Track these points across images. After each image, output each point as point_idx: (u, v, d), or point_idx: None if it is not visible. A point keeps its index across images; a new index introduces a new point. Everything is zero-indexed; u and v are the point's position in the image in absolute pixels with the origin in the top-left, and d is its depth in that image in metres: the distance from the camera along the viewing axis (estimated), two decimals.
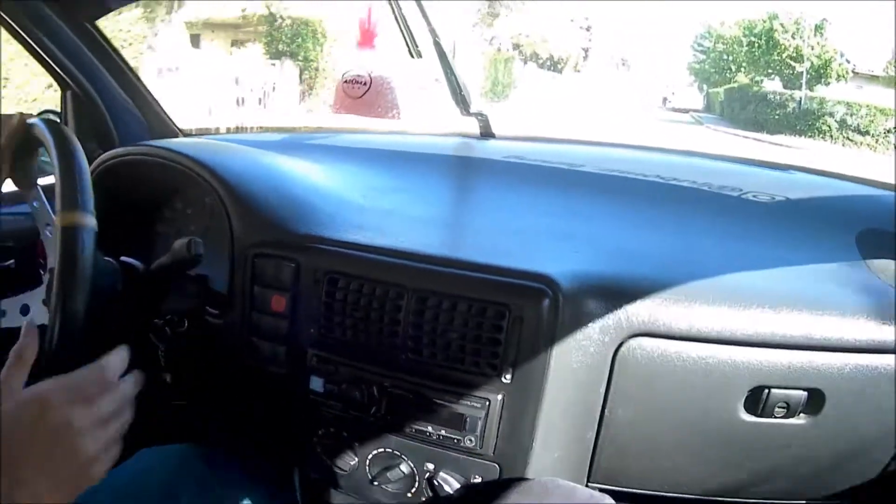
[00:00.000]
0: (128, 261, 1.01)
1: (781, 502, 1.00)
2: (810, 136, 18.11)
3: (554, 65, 21.79)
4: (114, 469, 0.89)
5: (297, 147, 1.32)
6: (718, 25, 23.64)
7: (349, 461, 0.99)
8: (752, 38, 21.82)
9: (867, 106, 18.28)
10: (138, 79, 1.41)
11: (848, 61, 20.68)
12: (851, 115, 18.16)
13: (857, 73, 20.93)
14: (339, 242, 0.96)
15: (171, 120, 1.46)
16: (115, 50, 1.35)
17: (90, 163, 0.94)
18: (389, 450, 0.96)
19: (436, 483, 0.94)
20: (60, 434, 0.61)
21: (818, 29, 21.66)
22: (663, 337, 0.87)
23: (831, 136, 18.36)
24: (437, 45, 1.18)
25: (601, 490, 0.92)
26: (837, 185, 1.25)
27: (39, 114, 1.38)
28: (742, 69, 22.17)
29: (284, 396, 1.01)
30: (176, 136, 1.46)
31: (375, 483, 0.98)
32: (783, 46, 21.19)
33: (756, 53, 21.96)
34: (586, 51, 22.12)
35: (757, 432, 0.89)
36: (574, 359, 0.87)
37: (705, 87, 23.48)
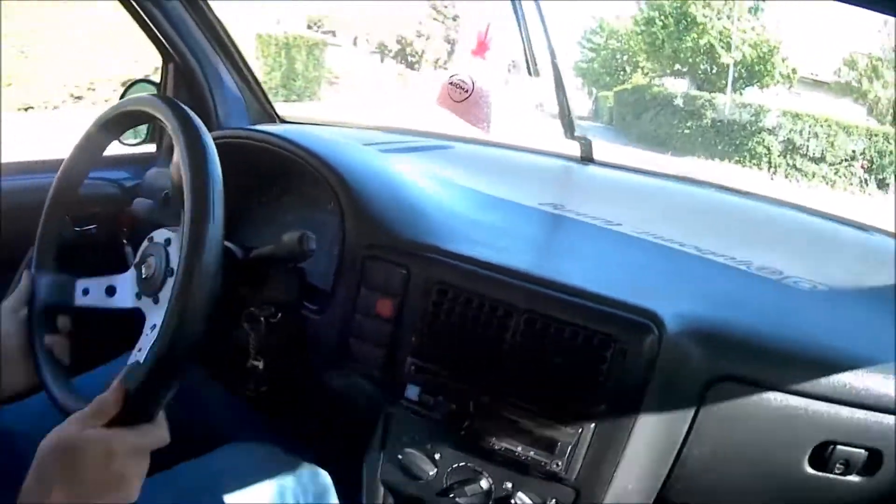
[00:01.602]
0: (225, 244, 1.04)
1: None
2: (738, 161, 14.34)
3: (406, 57, 17.72)
4: (195, 463, 0.95)
5: (403, 148, 1.35)
6: (613, 19, 19.38)
7: (429, 471, 1.01)
8: (656, 19, 17.13)
9: (825, 121, 14.34)
10: (243, 59, 1.43)
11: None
12: (801, 133, 14.26)
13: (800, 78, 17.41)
14: (453, 254, 0.98)
15: (270, 104, 1.49)
16: (222, 26, 1.38)
17: None
18: (471, 465, 0.99)
19: (512, 502, 0.97)
20: (117, 481, 0.71)
21: (754, 11, 16.78)
22: (750, 384, 0.90)
23: (770, 163, 14.48)
24: (555, 66, 1.21)
25: None
26: None
27: (135, 82, 1.42)
28: (640, 66, 17.70)
29: (373, 400, 1.05)
30: (274, 121, 1.49)
31: (451, 495, 1.00)
32: (701, 28, 16.25)
33: (660, 39, 17.04)
34: (452, 44, 18.00)
35: (817, 486, 0.92)
36: (665, 394, 0.90)
37: (594, 90, 19.59)
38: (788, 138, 14.56)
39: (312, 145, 1.11)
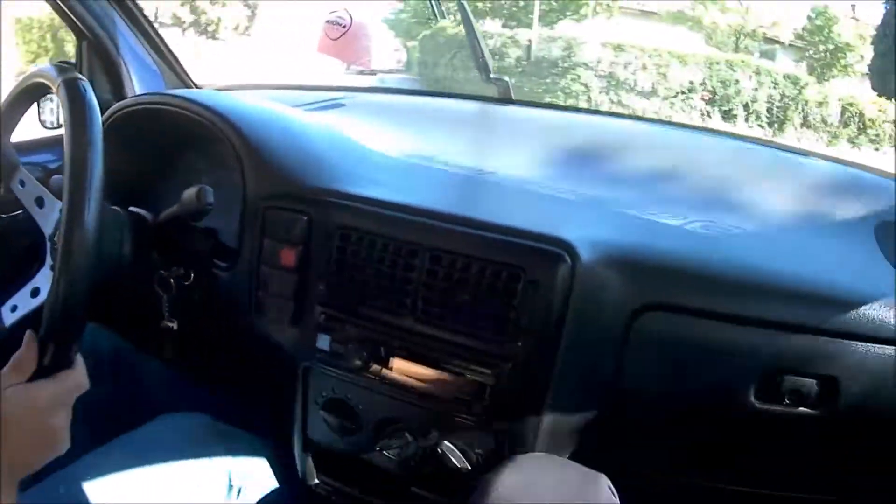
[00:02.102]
0: (136, 211, 1.03)
1: (787, 495, 1.01)
2: (552, 101, 11.82)
3: (204, 28, 15.47)
4: (131, 434, 0.96)
5: (315, 104, 1.33)
6: None
7: (352, 425, 1.00)
8: None
9: (654, 51, 13.04)
10: (155, 31, 1.43)
11: None
12: (626, 67, 12.98)
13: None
14: (354, 197, 0.97)
15: (186, 73, 1.48)
16: (134, 2, 1.37)
17: (103, 113, 0.95)
18: (394, 415, 0.97)
19: (440, 452, 0.95)
20: (45, 433, 0.72)
21: None
22: (679, 311, 0.88)
23: (589, 100, 12.88)
24: (463, 8, 1.20)
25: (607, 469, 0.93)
26: (853, 173, 1.25)
27: (55, 64, 1.41)
28: (445, 9, 16.50)
29: (289, 356, 1.03)
30: (190, 88, 1.49)
31: (378, 448, 0.99)
32: None
33: None
34: (252, 8, 16.16)
35: (767, 420, 0.90)
36: (587, 328, 0.88)
37: (407, 43, 18.20)
38: (611, 73, 13.36)
39: (213, 103, 1.10)
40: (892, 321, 0.87)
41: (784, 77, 13.93)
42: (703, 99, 13.63)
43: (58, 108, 1.36)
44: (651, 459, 1.01)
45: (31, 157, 1.37)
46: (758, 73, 13.76)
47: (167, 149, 1.20)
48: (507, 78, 1.29)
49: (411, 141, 1.23)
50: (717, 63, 13.67)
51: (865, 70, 16.28)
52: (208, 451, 0.96)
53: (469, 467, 0.94)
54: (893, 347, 0.87)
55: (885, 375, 0.88)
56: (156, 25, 1.41)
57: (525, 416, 0.90)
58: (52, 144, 1.39)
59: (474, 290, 0.88)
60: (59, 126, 1.40)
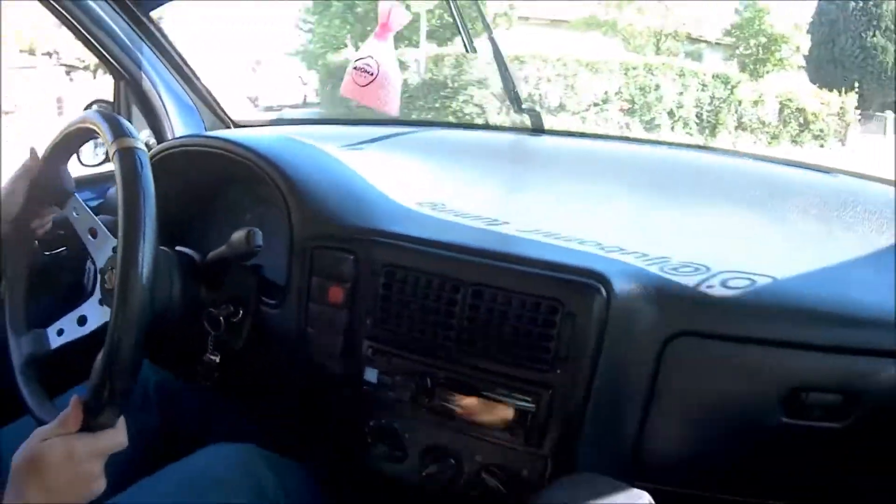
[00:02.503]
0: (183, 251, 1.08)
1: None
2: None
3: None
4: (174, 466, 0.99)
5: (353, 139, 1.38)
6: None
7: (398, 452, 1.05)
8: None
9: (558, 61, 11.78)
10: (191, 69, 1.47)
11: None
12: (526, 80, 11.31)
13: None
14: (397, 236, 1.01)
15: (223, 111, 1.53)
16: (168, 41, 1.42)
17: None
18: (439, 442, 1.02)
19: (484, 477, 0.99)
20: (81, 480, 0.79)
21: None
22: (708, 337, 0.91)
23: (486, 121, 10.93)
24: (493, 41, 1.24)
25: (643, 488, 0.96)
26: (875, 188, 1.28)
27: (92, 103, 1.46)
28: (343, 38, 14.94)
29: (338, 388, 1.08)
30: (229, 127, 1.53)
31: (424, 474, 1.02)
32: None
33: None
34: None
35: (797, 435, 0.93)
36: (622, 355, 0.92)
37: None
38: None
39: (256, 145, 1.15)
40: None
41: (713, 77, 13.01)
42: (620, 110, 12.55)
43: (97, 146, 1.40)
44: (685, 477, 1.05)
45: None
46: (682, 75, 12.79)
47: (210, 188, 1.25)
48: (538, 109, 1.33)
49: (449, 175, 1.28)
50: (634, 68, 12.59)
51: (802, 62, 15.53)
52: (257, 480, 0.98)
53: (509, 491, 0.98)
54: None
55: None
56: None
57: (564, 441, 0.94)
58: (90, 182, 1.44)
59: (515, 322, 0.92)
60: (100, 164, 1.45)
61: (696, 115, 12.83)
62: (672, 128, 12.50)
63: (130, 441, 1.09)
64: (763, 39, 15.55)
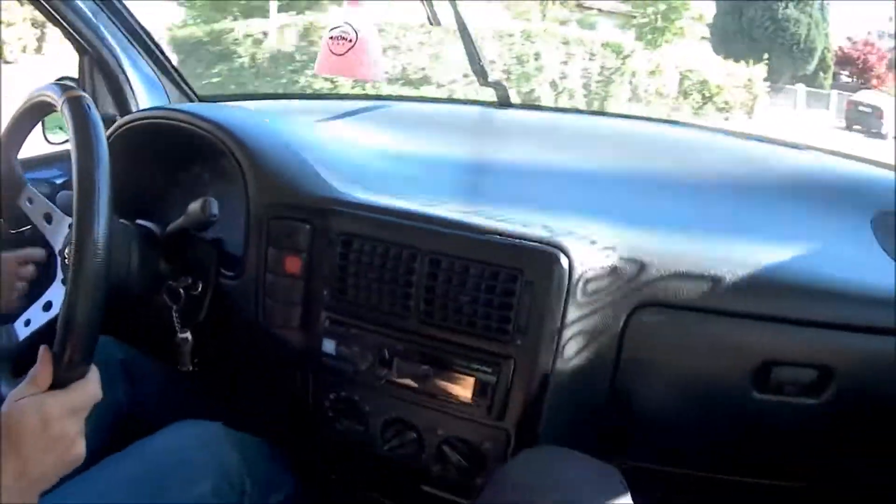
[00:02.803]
0: (144, 224, 1.07)
1: (787, 484, 1.04)
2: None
3: None
4: (137, 445, 0.98)
5: (316, 113, 1.37)
6: None
7: (360, 426, 1.04)
8: None
9: (420, 28, 9.93)
10: (156, 44, 1.46)
11: None
12: (385, 51, 6.04)
13: None
14: (353, 204, 1.00)
15: (188, 86, 1.51)
16: (133, 17, 1.41)
17: (107, 128, 0.98)
18: (400, 415, 1.01)
19: (445, 450, 0.99)
20: (61, 443, 0.75)
21: None
22: (673, 307, 0.91)
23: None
24: (458, 14, 1.23)
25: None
26: (849, 165, 1.27)
27: (57, 80, 1.45)
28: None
29: (297, 361, 1.07)
30: (192, 101, 1.52)
31: (386, 448, 1.02)
32: None
33: None
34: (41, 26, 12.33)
35: (769, 411, 0.93)
36: (585, 326, 0.91)
37: None
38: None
39: (215, 117, 1.13)
40: (891, 312, 0.89)
41: (603, 46, 11.96)
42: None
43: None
44: (651, 452, 1.04)
45: (38, 173, 1.41)
46: (566, 43, 11.72)
47: (172, 162, 1.24)
48: (504, 82, 1.32)
49: (411, 146, 1.27)
50: (511, 35, 11.38)
51: (706, 32, 14.91)
52: (221, 459, 0.98)
53: (471, 465, 0.98)
54: (890, 337, 0.90)
55: (881, 365, 0.91)
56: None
57: (527, 413, 0.93)
58: (58, 160, 1.43)
59: (473, 291, 0.91)
60: (65, 142, 1.44)
61: (584, 86, 11.86)
62: (556, 99, 11.51)
63: (95, 420, 1.08)
64: (662, 7, 14.65)
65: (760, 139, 1.34)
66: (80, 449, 0.77)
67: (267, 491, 1.02)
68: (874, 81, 20.47)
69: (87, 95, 0.85)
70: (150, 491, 0.92)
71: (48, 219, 0.98)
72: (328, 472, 1.17)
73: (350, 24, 1.20)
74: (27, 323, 0.95)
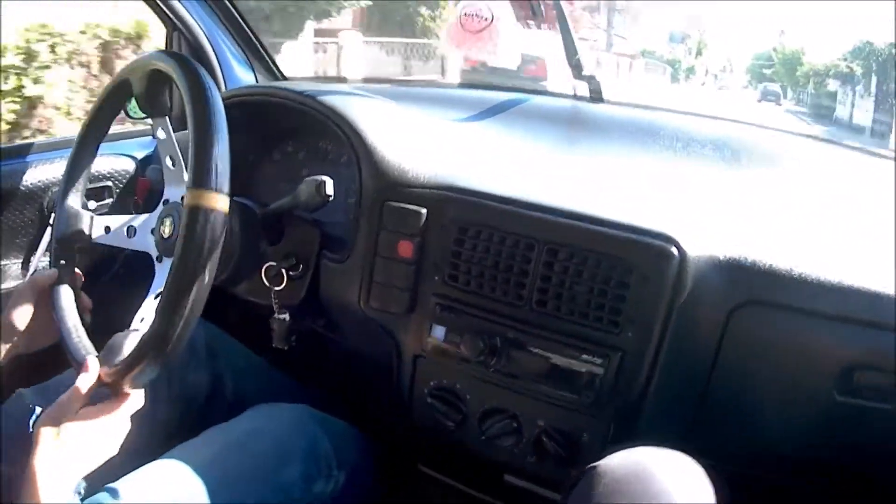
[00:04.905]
0: (242, 201, 1.08)
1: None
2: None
3: None
4: (226, 425, 0.99)
5: (411, 98, 1.39)
6: None
7: (458, 415, 1.07)
8: None
9: None
10: (245, 22, 1.49)
11: None
12: None
13: None
14: (470, 191, 1.03)
15: (275, 65, 1.54)
16: None
17: None
18: (501, 405, 1.04)
19: (544, 440, 1.02)
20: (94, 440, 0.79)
21: None
22: (772, 306, 0.93)
23: None
24: (558, 6, 1.26)
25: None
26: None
27: (164, 51, 1.48)
28: None
29: (400, 345, 1.10)
30: (279, 81, 1.55)
31: (483, 437, 1.05)
32: None
33: None
34: None
35: (849, 415, 0.94)
36: (690, 322, 0.94)
37: None
38: None
39: (324, 97, 1.16)
40: None
41: None
42: None
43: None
44: (738, 453, 1.07)
45: (118, 147, 1.44)
46: None
47: (265, 142, 1.26)
48: (597, 77, 1.36)
49: (509, 134, 1.29)
50: None
51: None
52: (310, 440, 1.00)
53: (567, 456, 1.01)
54: None
55: None
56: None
57: (629, 406, 0.97)
58: (137, 136, 1.47)
59: (589, 282, 0.94)
60: (146, 117, 1.47)
61: None
62: None
63: (176, 401, 1.11)
64: None
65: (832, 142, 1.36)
66: (114, 445, 0.81)
67: (354, 477, 1.05)
68: None
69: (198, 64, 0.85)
70: (236, 472, 0.94)
71: (131, 232, 0.96)
72: (415, 460, 1.21)
73: (486, 5, 1.23)
74: (107, 229, 0.97)
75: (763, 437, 1.03)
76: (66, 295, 0.95)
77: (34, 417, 0.95)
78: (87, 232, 0.98)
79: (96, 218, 0.98)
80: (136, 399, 0.81)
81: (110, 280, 1.38)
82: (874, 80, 14.41)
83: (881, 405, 0.92)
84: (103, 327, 0.90)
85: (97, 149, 1.01)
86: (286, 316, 1.12)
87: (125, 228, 0.96)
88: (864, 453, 1.01)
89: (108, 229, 0.97)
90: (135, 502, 0.84)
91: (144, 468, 0.90)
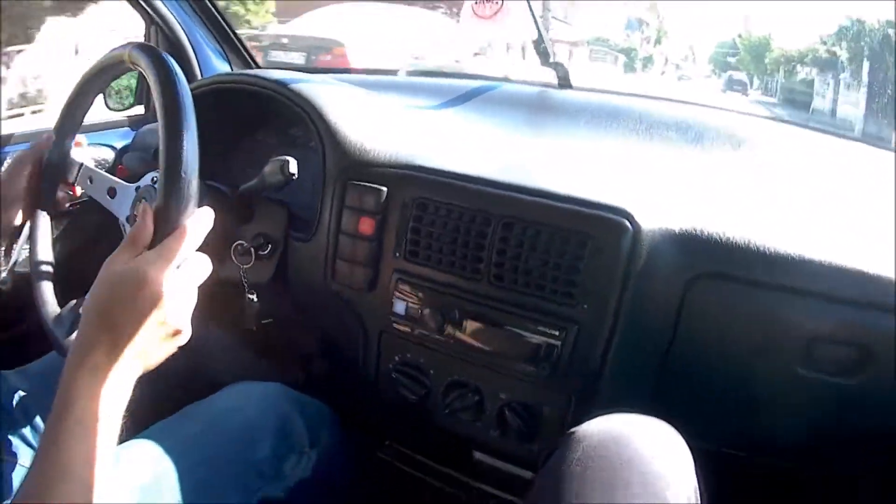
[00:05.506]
0: (213, 184, 1.12)
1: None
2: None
3: None
4: (200, 405, 1.01)
5: (379, 86, 1.43)
6: None
7: (422, 389, 1.11)
8: None
9: None
10: (221, 16, 1.53)
11: None
12: None
13: None
14: (429, 169, 1.06)
15: (250, 55, 1.59)
16: None
17: None
18: (463, 378, 1.07)
19: (506, 413, 1.05)
20: (153, 307, 0.69)
21: None
22: (731, 279, 0.95)
23: None
24: None
25: None
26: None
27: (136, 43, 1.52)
28: None
29: (364, 321, 1.13)
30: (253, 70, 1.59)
31: (446, 411, 1.08)
32: None
33: None
34: None
35: (810, 388, 0.96)
36: (647, 294, 0.96)
37: None
38: None
39: (290, 82, 1.19)
40: None
41: None
42: None
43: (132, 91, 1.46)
44: (697, 427, 1.09)
45: (97, 136, 1.49)
46: None
47: (237, 129, 1.30)
48: (564, 64, 1.40)
49: (474, 119, 1.33)
50: None
51: None
52: (282, 419, 1.02)
53: (529, 429, 1.04)
54: None
55: None
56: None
57: (588, 378, 0.99)
58: (115, 127, 1.51)
59: (544, 255, 0.97)
60: (126, 108, 1.52)
61: None
62: None
63: (150, 382, 1.13)
64: None
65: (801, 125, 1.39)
66: (182, 320, 0.72)
67: (327, 456, 1.06)
68: None
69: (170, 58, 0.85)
70: (210, 451, 0.95)
71: (112, 193, 1.00)
72: (383, 436, 1.24)
73: None
74: (91, 180, 1.01)
75: (724, 411, 1.06)
76: (43, 234, 1.00)
77: (16, 400, 0.99)
78: (74, 174, 1.02)
79: (85, 166, 1.02)
80: (193, 227, 0.76)
81: (82, 244, 1.41)
82: (866, 65, 12.76)
83: (844, 381, 0.95)
84: (74, 287, 0.91)
85: (92, 101, 1.04)
86: (255, 297, 1.15)
87: (107, 187, 1.00)
88: (824, 430, 1.03)
89: (91, 180, 1.01)
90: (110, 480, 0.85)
91: (120, 447, 0.89)
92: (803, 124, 1.44)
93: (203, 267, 0.76)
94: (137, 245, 0.73)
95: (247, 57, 1.58)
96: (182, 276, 0.72)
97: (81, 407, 0.65)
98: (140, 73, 0.89)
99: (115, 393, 0.67)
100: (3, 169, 1.01)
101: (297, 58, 5.89)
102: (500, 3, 1.30)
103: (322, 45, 5.86)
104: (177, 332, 0.73)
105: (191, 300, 0.74)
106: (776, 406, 1.02)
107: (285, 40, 6.33)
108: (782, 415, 1.03)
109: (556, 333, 0.98)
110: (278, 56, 5.87)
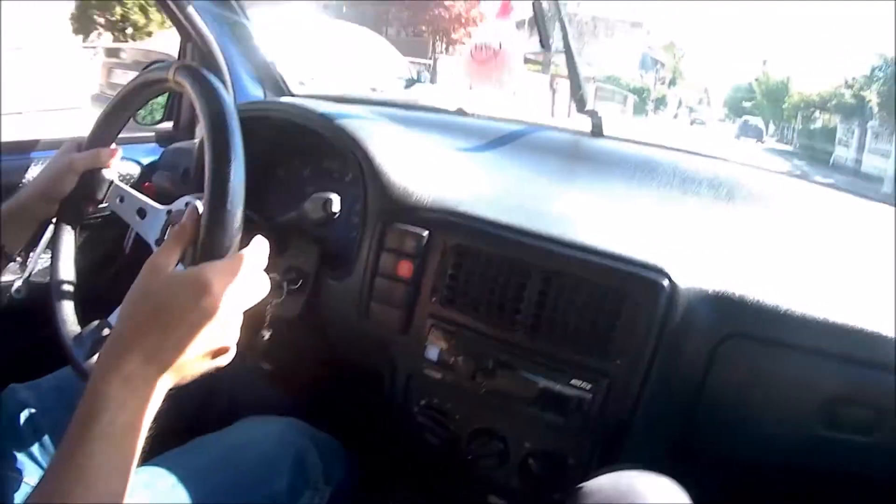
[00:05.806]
0: (247, 213, 1.13)
1: None
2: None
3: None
4: (214, 437, 1.00)
5: (414, 123, 1.43)
6: None
7: (446, 434, 1.11)
8: None
9: None
10: (257, 37, 1.53)
11: None
12: None
13: None
14: (471, 217, 1.07)
15: (283, 81, 1.59)
16: (240, 6, 1.49)
17: None
18: (490, 426, 1.08)
19: (530, 462, 1.06)
20: (209, 318, 0.66)
21: None
22: (759, 340, 0.97)
23: None
24: (566, 40, 1.32)
25: None
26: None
27: (150, 64, 1.52)
28: None
29: (393, 363, 1.13)
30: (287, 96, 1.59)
31: (469, 457, 1.09)
32: None
33: None
34: None
35: (827, 448, 0.98)
36: (678, 352, 0.98)
37: None
38: None
39: (332, 115, 1.20)
40: None
41: None
42: None
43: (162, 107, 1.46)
44: (720, 482, 1.10)
45: (125, 151, 1.48)
46: None
47: (277, 156, 1.30)
48: (599, 113, 1.41)
49: (511, 164, 1.34)
50: None
51: None
52: (298, 455, 1.01)
53: (552, 479, 1.04)
54: None
55: None
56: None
57: (615, 431, 1.00)
58: (144, 142, 1.50)
59: (581, 310, 0.98)
60: (156, 123, 1.51)
61: None
62: None
63: (168, 410, 1.12)
64: None
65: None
66: (232, 338, 0.69)
67: (341, 493, 1.06)
68: None
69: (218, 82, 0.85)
70: (224, 484, 0.94)
71: (142, 214, 0.99)
72: (398, 477, 1.23)
73: (496, 37, 1.29)
74: (121, 199, 0.99)
75: (746, 466, 1.07)
76: (66, 248, 0.99)
77: (26, 415, 0.97)
78: (104, 190, 1.00)
79: (115, 184, 1.00)
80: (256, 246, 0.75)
81: (98, 259, 1.39)
82: None
83: (862, 438, 0.96)
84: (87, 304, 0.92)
85: (130, 117, 1.03)
86: (266, 334, 1.11)
87: (137, 207, 0.98)
88: (844, 485, 1.05)
89: (121, 199, 1.00)
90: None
91: (134, 475, 0.90)
92: (836, 186, 1.46)
93: (263, 290, 0.74)
94: (181, 244, 0.72)
95: (281, 83, 1.58)
96: (244, 293, 0.70)
97: (109, 417, 0.61)
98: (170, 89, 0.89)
99: (146, 405, 0.63)
100: (52, 163, 0.99)
101: None
102: (495, 51, 1.32)
103: None
104: (222, 351, 0.70)
105: (241, 321, 0.71)
106: (798, 462, 1.03)
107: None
108: (803, 470, 1.04)
109: (589, 387, 0.99)
110: None
